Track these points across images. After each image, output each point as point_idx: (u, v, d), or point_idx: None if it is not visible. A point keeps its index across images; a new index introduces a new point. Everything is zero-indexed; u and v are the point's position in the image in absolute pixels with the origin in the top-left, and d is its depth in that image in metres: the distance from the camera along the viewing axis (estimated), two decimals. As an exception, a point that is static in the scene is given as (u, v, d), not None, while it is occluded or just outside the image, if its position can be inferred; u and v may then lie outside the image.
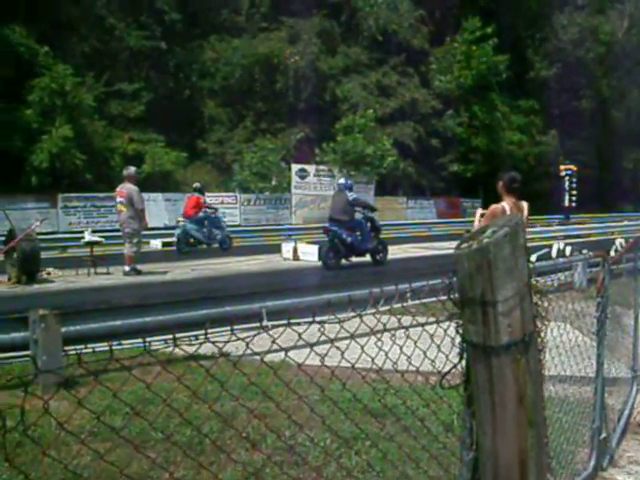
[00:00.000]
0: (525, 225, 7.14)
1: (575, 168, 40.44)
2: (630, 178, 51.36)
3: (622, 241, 15.95)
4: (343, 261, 16.70)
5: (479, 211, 8.56)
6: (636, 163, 56.24)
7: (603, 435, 4.79)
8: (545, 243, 19.06)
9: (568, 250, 17.39)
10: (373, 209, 17.83)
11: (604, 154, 51.29)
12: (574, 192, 40.04)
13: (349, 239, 16.43)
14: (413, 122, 40.18)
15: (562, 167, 41.00)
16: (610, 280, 4.92)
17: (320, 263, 16.99)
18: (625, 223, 33.10)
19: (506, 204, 7.88)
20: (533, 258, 13.40)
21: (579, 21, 51.74)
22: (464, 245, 1.87)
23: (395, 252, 18.77)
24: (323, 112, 37.63)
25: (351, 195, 16.85)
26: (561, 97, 48.63)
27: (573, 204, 40.18)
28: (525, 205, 8.26)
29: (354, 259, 17.02)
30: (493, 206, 7.92)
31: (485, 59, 41.61)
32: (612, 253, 7.36)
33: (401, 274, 14.13)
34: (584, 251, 9.49)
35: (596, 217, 40.16)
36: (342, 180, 18.00)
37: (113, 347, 6.70)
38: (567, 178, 40.30)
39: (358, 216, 17.01)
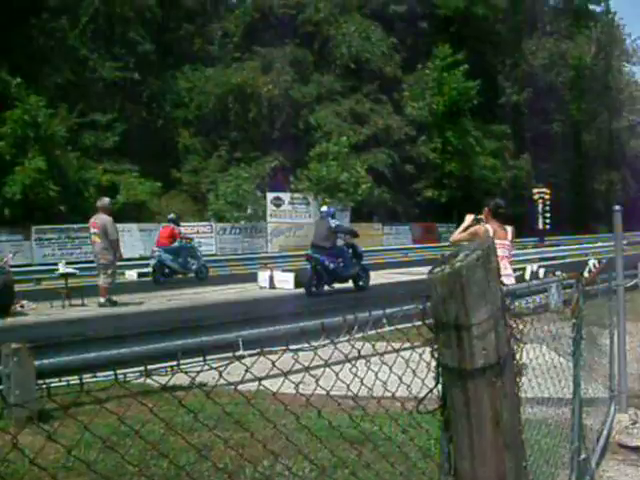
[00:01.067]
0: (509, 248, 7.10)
1: (548, 191, 40.72)
2: (603, 200, 51.89)
3: (595, 262, 16.07)
4: (326, 287, 16.76)
5: (471, 216, 8.33)
6: (608, 185, 56.90)
7: (583, 456, 4.78)
8: (519, 266, 19.14)
9: (541, 272, 17.51)
10: (356, 235, 18.02)
11: (576, 177, 51.89)
12: (547, 215, 40.30)
13: (331, 266, 16.53)
14: (387, 148, 40.39)
15: (535, 190, 41.26)
16: (584, 301, 4.94)
17: (297, 290, 16.99)
18: (599, 244, 33.35)
19: (490, 227, 7.98)
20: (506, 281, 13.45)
21: (548, 46, 52.52)
22: (437, 269, 1.87)
23: (373, 278, 18.78)
24: (297, 140, 37.76)
25: (334, 222, 17.05)
26: (532, 121, 49.22)
27: (547, 227, 40.42)
28: (510, 229, 8.35)
29: (336, 285, 17.07)
30: (477, 226, 8.00)
31: (456, 85, 41.93)
32: (585, 274, 7.42)
33: (384, 299, 14.10)
34: (557, 272, 9.54)
35: (569, 239, 40.43)
36: (325, 208, 18.33)
37: (88, 380, 6.63)
38: (540, 201, 40.55)
39: (340, 242, 17.13)
